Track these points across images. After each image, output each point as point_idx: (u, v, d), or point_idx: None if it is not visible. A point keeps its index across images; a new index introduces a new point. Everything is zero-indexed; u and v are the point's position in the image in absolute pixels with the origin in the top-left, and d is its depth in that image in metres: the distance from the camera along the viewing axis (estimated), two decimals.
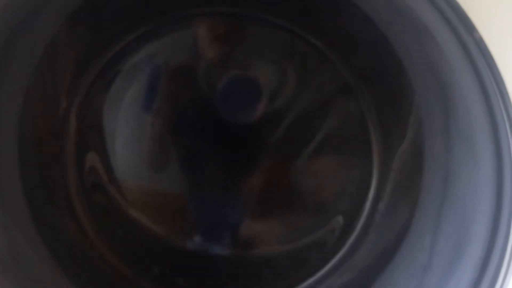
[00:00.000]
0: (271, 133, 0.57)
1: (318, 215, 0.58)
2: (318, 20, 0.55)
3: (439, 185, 0.44)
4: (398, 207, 0.52)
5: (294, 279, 0.56)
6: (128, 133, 0.58)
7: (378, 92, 0.55)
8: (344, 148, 0.58)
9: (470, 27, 0.34)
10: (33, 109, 0.49)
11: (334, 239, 0.57)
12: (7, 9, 0.39)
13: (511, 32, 0.34)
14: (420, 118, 0.48)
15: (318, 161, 0.58)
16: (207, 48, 0.57)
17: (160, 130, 0.58)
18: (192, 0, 0.56)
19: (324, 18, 0.55)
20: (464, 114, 0.39)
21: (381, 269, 0.49)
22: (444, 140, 0.43)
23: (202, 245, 0.58)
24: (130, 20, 0.55)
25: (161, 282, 0.56)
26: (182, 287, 0.57)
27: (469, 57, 0.35)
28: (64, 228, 0.54)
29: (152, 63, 0.57)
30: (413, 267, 0.45)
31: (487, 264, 0.39)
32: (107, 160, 0.57)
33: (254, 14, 0.56)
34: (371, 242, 0.54)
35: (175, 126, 0.58)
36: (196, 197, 0.59)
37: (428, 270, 0.43)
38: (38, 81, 0.49)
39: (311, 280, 0.56)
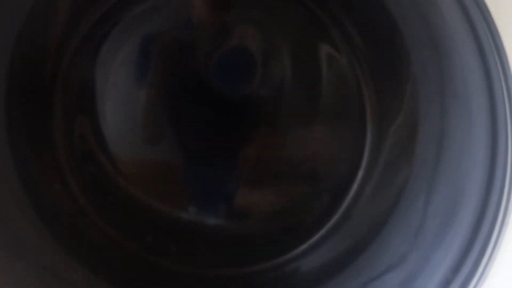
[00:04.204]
0: (266, 103, 0.57)
1: (313, 183, 0.58)
2: None
3: (434, 147, 0.44)
4: (392, 171, 0.52)
5: (286, 245, 0.56)
6: (119, 100, 0.57)
7: (373, 55, 0.54)
8: (339, 117, 0.58)
9: None
10: (22, 64, 0.48)
11: (327, 207, 0.57)
12: None
13: None
14: (416, 80, 0.47)
15: (312, 130, 0.58)
16: (200, 14, 0.56)
17: (152, 99, 0.57)
18: None
19: None
20: (459, 71, 0.39)
21: (375, 234, 0.49)
22: (439, 100, 0.42)
23: (196, 216, 0.58)
24: None
25: (154, 250, 0.56)
26: (175, 254, 0.57)
27: (464, 11, 0.34)
28: (53, 193, 0.54)
29: (142, 26, 0.55)
30: (406, 230, 0.45)
31: (480, 225, 0.39)
32: (98, 127, 0.56)
33: None
34: (365, 206, 0.54)
35: (168, 95, 0.57)
36: (190, 168, 0.59)
37: (421, 232, 0.43)
38: (27, 33, 0.48)
39: (303, 247, 0.56)
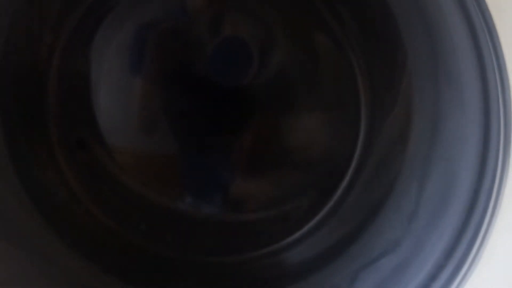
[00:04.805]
0: (261, 93, 0.57)
1: (307, 172, 0.58)
2: None
3: (427, 134, 0.44)
4: (386, 159, 0.52)
5: (281, 233, 0.56)
6: (113, 87, 0.57)
7: (369, 45, 0.54)
8: (334, 106, 0.58)
9: None
10: (16, 45, 0.48)
11: (321, 195, 0.57)
12: None
13: None
14: (411, 68, 0.47)
15: (307, 121, 0.58)
16: (196, 2, 0.56)
17: (147, 88, 0.57)
18: None
19: None
20: (451, 54, 0.38)
21: (368, 221, 0.49)
22: (432, 84, 0.42)
23: (191, 204, 0.58)
24: None
25: (149, 238, 0.56)
26: (170, 243, 0.57)
27: None
28: (48, 182, 0.54)
29: (138, 13, 0.55)
30: (399, 217, 0.45)
31: (472, 211, 0.38)
32: (92, 114, 0.56)
33: None
34: (359, 194, 0.54)
35: (163, 84, 0.57)
36: (185, 157, 0.59)
37: (414, 218, 0.43)
38: (21, 18, 0.48)
39: (298, 234, 0.56)
